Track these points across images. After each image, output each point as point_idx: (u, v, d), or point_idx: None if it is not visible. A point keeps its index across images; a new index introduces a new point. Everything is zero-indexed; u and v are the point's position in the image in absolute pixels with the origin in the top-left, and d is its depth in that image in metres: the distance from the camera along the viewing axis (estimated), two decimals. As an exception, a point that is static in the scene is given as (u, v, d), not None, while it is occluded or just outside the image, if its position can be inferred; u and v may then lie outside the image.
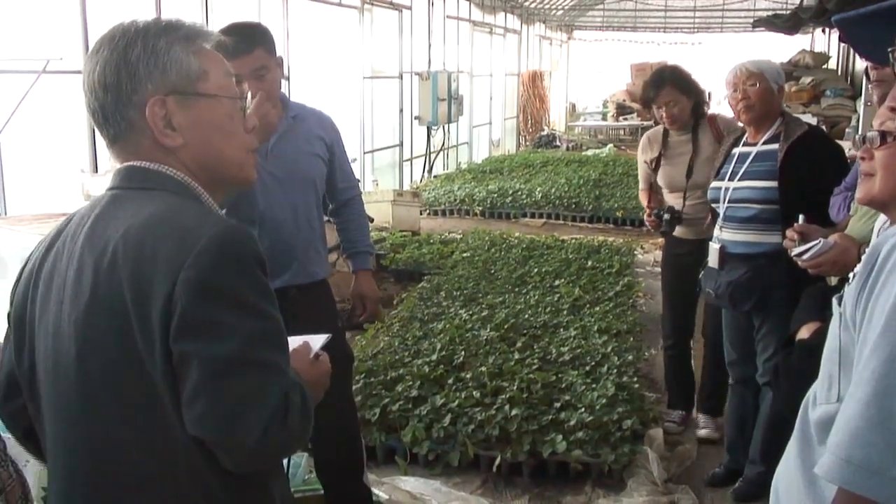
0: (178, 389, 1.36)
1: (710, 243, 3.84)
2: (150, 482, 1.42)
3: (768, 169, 3.60)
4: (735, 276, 3.67)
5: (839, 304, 1.20)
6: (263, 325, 1.39)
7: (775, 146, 3.63)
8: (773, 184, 3.58)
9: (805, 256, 2.69)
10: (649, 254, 8.96)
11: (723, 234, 3.77)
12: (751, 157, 3.69)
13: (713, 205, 3.88)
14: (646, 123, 22.37)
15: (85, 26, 6.60)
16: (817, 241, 2.67)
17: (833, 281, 2.86)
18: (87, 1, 6.62)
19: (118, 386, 1.40)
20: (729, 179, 3.74)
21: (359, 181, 3.77)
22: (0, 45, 6.08)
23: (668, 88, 4.44)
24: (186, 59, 1.47)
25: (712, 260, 3.80)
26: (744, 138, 3.81)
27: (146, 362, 1.36)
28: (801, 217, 2.96)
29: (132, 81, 1.44)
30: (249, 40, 2.98)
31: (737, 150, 3.79)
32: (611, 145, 19.71)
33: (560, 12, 24.90)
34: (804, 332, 2.31)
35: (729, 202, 3.72)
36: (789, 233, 2.91)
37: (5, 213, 5.91)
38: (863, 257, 1.12)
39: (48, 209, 5.44)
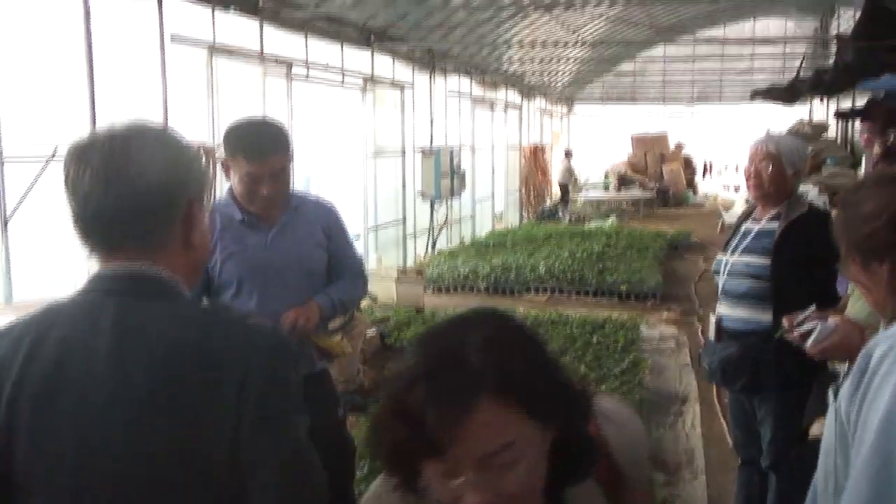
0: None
1: (711, 315, 3.90)
2: None
3: (765, 246, 3.65)
4: (727, 353, 3.71)
5: (834, 398, 1.22)
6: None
7: (776, 225, 3.67)
8: (768, 261, 3.62)
9: (808, 344, 2.68)
10: (655, 328, 8.94)
11: (720, 308, 3.82)
12: (753, 234, 3.74)
13: (715, 276, 3.93)
14: (647, 195, 22.56)
15: (93, 112, 6.70)
16: (815, 325, 2.66)
17: (843, 367, 2.85)
18: (96, 86, 6.73)
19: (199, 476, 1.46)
20: (731, 253, 3.79)
21: (362, 260, 3.79)
22: (9, 133, 6.17)
23: (491, 407, 1.39)
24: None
25: (710, 332, 3.86)
26: (753, 213, 3.86)
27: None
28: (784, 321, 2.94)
29: (186, 180, 1.56)
30: (271, 144, 3.07)
31: (744, 226, 3.85)
32: (613, 217, 19.82)
33: (560, 86, 25.27)
34: (817, 428, 2.30)
35: (727, 275, 3.77)
36: (786, 323, 2.89)
37: (12, 299, 5.93)
38: (857, 357, 1.13)
39: (55, 295, 5.46)
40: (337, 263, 3.42)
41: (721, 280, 3.82)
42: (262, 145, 3.07)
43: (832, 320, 2.67)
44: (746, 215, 3.94)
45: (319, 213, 3.42)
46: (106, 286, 1.53)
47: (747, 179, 3.79)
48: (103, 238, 1.53)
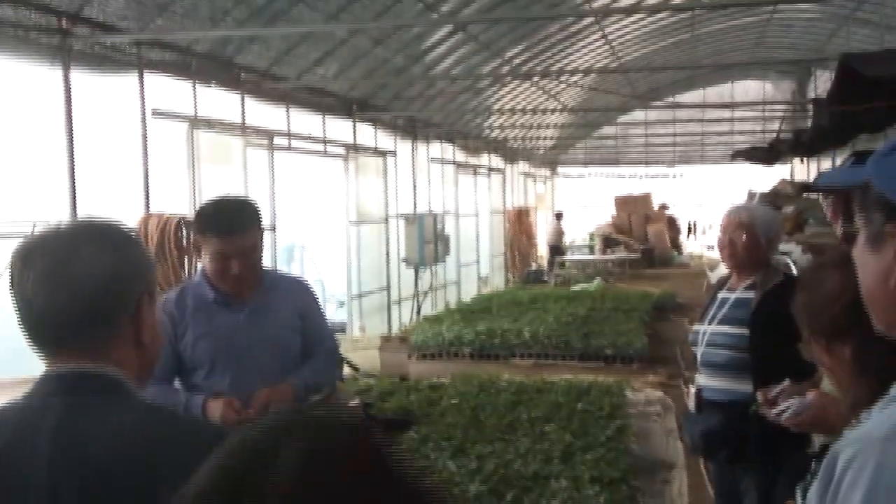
0: None
1: (690, 386, 3.88)
2: None
3: (742, 316, 3.64)
4: (709, 425, 3.67)
5: (803, 498, 1.20)
6: None
7: (752, 294, 3.67)
8: (745, 331, 3.61)
9: (784, 417, 2.67)
10: (640, 392, 8.88)
11: (699, 379, 3.80)
12: (729, 303, 3.74)
13: (692, 348, 3.91)
14: (633, 256, 22.67)
15: (73, 187, 6.70)
16: (792, 402, 2.66)
17: (816, 442, 2.82)
18: (76, 162, 6.74)
19: None
20: (708, 323, 3.78)
21: (335, 340, 3.73)
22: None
23: None
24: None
25: (690, 403, 3.82)
26: (728, 283, 3.86)
27: None
28: (759, 395, 2.94)
29: (133, 278, 1.52)
30: (240, 221, 3.06)
31: (720, 295, 3.84)
32: (598, 279, 19.83)
33: (543, 150, 25.49)
34: None
35: (705, 346, 3.76)
36: (760, 397, 2.88)
37: (-15, 379, 5.85)
38: (823, 462, 1.11)
39: (29, 374, 5.39)
40: (311, 341, 3.38)
41: (699, 350, 3.80)
42: (231, 223, 3.06)
43: (810, 395, 2.66)
44: (721, 284, 3.94)
45: (294, 293, 3.39)
46: (51, 387, 1.48)
47: (721, 249, 3.81)
48: (49, 340, 1.48)
